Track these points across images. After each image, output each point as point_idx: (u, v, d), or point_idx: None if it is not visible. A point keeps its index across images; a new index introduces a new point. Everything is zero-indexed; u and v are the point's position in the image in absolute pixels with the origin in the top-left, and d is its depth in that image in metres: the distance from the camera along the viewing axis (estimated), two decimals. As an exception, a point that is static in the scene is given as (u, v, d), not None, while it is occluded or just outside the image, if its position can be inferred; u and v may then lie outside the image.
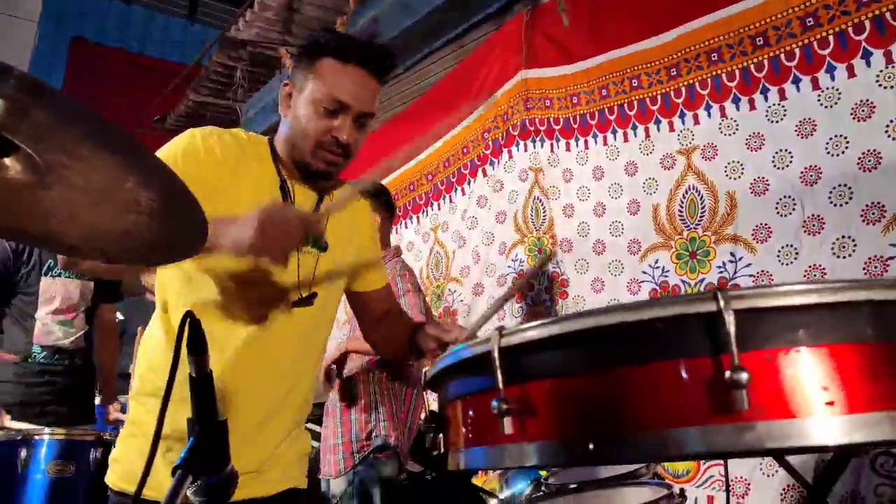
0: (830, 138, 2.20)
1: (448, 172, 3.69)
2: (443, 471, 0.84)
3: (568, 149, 3.02)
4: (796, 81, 2.30)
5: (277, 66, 4.89)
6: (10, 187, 0.73)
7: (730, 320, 0.55)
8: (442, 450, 0.83)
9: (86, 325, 3.02)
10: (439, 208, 3.72)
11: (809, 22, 2.28)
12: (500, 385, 0.64)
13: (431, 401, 3.28)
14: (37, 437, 2.04)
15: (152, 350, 1.36)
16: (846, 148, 2.16)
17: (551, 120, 3.11)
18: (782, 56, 2.35)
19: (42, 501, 2.02)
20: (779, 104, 2.34)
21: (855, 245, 2.11)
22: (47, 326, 2.91)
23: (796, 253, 2.24)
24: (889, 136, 2.06)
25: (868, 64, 2.13)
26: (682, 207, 2.57)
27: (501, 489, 2.55)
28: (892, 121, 2.06)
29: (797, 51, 2.31)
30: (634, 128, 2.76)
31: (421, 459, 0.81)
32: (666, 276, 2.59)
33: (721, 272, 2.43)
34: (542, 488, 1.65)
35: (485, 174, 3.45)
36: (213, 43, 5.17)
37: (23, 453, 1.98)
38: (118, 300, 3.20)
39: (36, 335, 2.88)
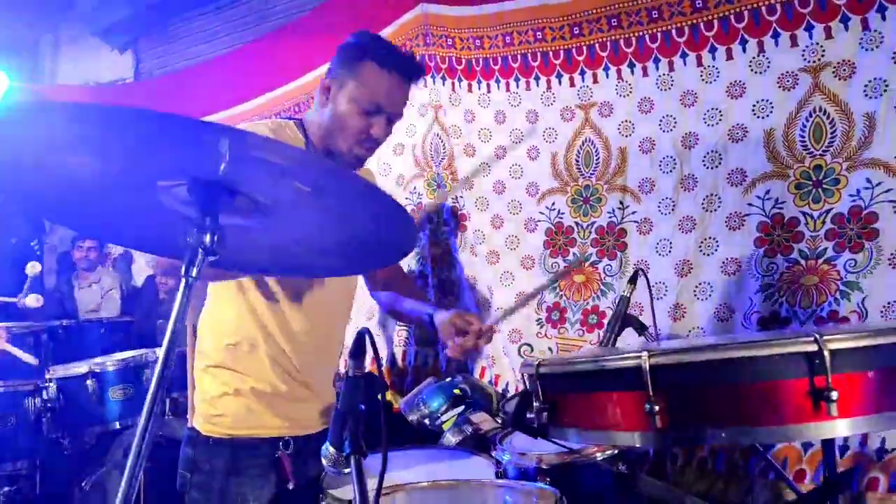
0: (708, 110, 2.61)
1: (339, 98, 3.69)
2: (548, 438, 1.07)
3: (470, 90, 3.19)
4: (683, 56, 2.67)
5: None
6: (250, 232, 0.80)
7: (826, 356, 0.84)
8: (545, 424, 1.08)
9: None
10: (329, 134, 3.73)
11: (698, 4, 2.63)
12: (651, 391, 0.90)
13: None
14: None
15: (225, 325, 1.70)
16: (720, 120, 2.59)
17: (453, 59, 3.25)
18: (673, 31, 2.69)
19: None
20: (667, 74, 2.70)
21: (720, 202, 2.59)
22: None
23: (673, 205, 2.69)
24: (755, 114, 2.51)
25: (744, 50, 2.53)
26: (578, 157, 2.91)
27: (417, 407, 2.86)
28: (757, 101, 2.50)
29: (686, 28, 2.66)
30: (537, 78, 3.00)
31: (524, 429, 1.04)
32: (561, 218, 2.96)
33: (610, 217, 2.83)
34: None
35: (380, 104, 3.52)
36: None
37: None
38: None
39: None
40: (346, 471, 1.04)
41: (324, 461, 1.07)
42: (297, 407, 1.70)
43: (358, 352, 0.98)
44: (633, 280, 1.80)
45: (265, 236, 0.86)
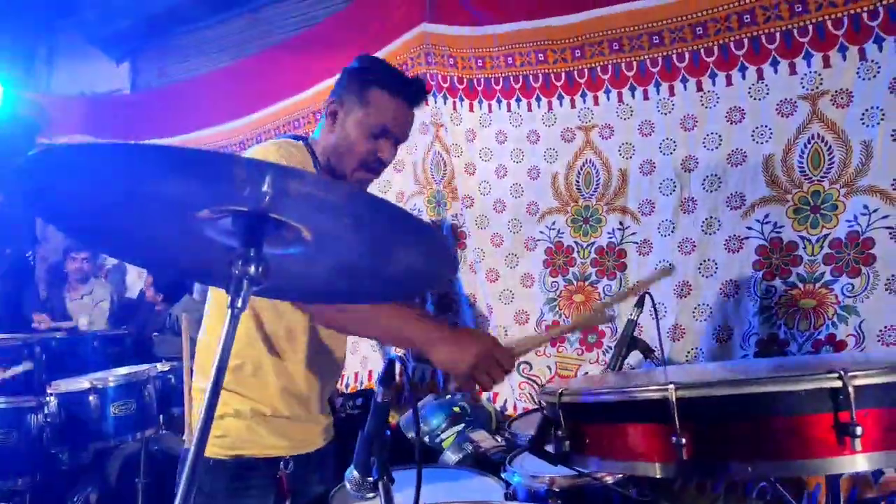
0: (708, 134, 2.66)
1: (339, 114, 3.71)
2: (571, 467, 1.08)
3: (471, 109, 3.22)
4: (684, 81, 2.72)
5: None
6: (286, 259, 0.81)
7: (851, 392, 0.86)
8: (567, 452, 1.09)
9: None
10: (329, 149, 3.74)
11: (699, 31, 2.68)
12: (677, 424, 0.91)
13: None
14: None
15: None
16: (719, 144, 2.63)
17: (455, 79, 3.28)
18: (674, 56, 2.74)
19: None
20: (668, 98, 2.74)
21: (720, 225, 2.63)
22: None
23: (673, 227, 2.72)
24: (753, 139, 2.56)
25: (743, 76, 2.59)
26: (579, 178, 2.94)
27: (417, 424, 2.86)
28: (756, 127, 2.55)
29: (687, 54, 2.71)
30: (538, 99, 3.04)
31: (543, 456, 1.06)
32: (560, 238, 2.98)
33: (610, 237, 2.86)
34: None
35: (381, 121, 3.54)
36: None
37: None
38: None
39: None
40: (371, 495, 1.05)
41: (347, 485, 1.07)
42: (297, 427, 1.69)
43: (387, 378, 1.00)
44: (639, 303, 1.82)
45: (300, 263, 0.87)
